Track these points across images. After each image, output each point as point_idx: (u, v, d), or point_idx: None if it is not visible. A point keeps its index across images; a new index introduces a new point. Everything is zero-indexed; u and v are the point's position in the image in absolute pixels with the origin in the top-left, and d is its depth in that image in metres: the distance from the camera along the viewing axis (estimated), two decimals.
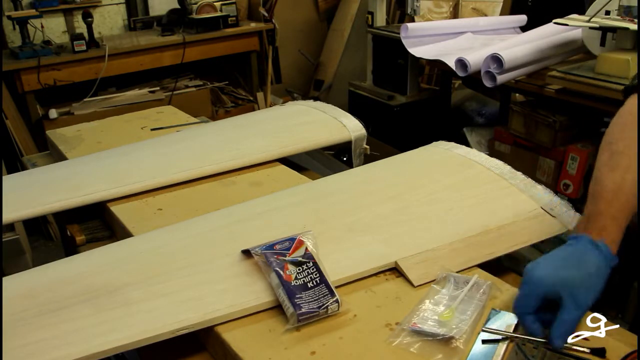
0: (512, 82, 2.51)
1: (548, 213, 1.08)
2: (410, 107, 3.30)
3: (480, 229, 1.05)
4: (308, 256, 0.92)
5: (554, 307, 0.79)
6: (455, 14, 3.93)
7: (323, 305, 0.85)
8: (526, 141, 2.57)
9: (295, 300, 0.85)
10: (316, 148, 1.55)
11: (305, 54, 4.56)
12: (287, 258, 0.91)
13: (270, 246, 0.93)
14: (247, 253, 0.96)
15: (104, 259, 1.02)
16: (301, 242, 0.94)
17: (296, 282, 0.87)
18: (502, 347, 0.79)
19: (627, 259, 1.19)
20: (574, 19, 2.29)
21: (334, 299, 0.86)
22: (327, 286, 0.88)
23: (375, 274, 0.97)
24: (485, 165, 1.25)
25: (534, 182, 1.17)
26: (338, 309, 0.86)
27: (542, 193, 1.13)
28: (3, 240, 2.45)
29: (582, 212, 0.96)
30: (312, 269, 0.90)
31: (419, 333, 0.81)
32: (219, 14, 3.87)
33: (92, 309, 0.87)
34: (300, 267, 0.89)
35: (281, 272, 0.88)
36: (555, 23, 2.36)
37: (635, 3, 2.14)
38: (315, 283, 0.88)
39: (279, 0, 4.10)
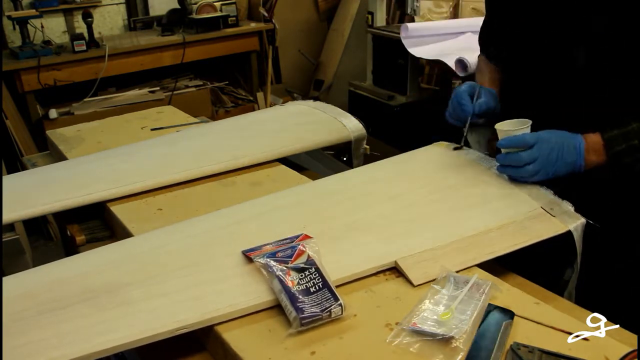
0: None
1: (548, 213, 1.08)
2: (410, 107, 3.30)
3: (480, 228, 1.05)
4: (310, 262, 0.91)
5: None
6: (455, 14, 3.92)
7: (326, 308, 0.85)
8: None
9: (298, 304, 0.84)
10: (316, 148, 1.55)
11: (305, 54, 4.56)
12: (289, 265, 0.91)
13: (273, 254, 0.93)
14: (248, 258, 0.96)
15: (104, 259, 1.02)
16: (303, 251, 0.93)
17: (299, 288, 0.87)
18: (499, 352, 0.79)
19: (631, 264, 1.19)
20: None
21: (338, 302, 0.86)
22: (330, 290, 0.87)
23: (375, 274, 0.97)
24: (485, 165, 1.25)
25: None
26: (342, 313, 0.86)
27: (542, 192, 1.13)
28: (3, 240, 2.45)
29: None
30: (315, 274, 0.89)
31: (419, 333, 0.81)
32: (219, 14, 3.86)
33: (92, 308, 0.87)
34: (302, 273, 0.89)
35: (283, 279, 0.88)
36: None
37: None
38: (317, 288, 0.87)
39: (279, 0, 4.09)
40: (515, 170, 1.14)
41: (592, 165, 1.11)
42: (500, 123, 1.18)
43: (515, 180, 1.16)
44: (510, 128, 1.16)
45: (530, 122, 1.14)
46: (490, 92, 1.31)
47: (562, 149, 1.10)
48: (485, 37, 1.43)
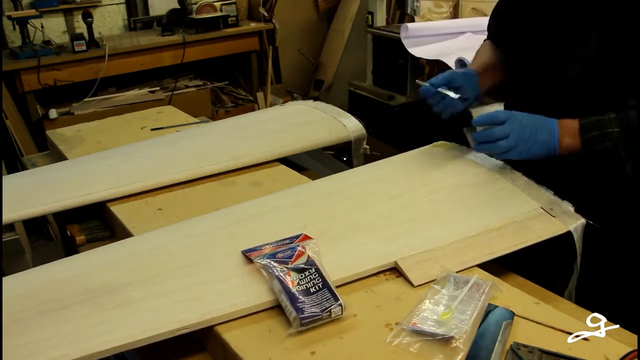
0: None
1: (548, 213, 1.08)
2: (410, 107, 3.29)
3: (480, 229, 1.05)
4: (310, 263, 0.91)
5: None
6: (455, 14, 3.92)
7: (326, 308, 0.85)
8: None
9: (298, 305, 0.84)
10: (316, 148, 1.55)
11: (305, 54, 4.56)
12: (289, 266, 0.91)
13: (273, 255, 0.93)
14: (248, 259, 0.96)
15: (104, 259, 1.02)
16: (302, 252, 0.93)
17: (298, 288, 0.87)
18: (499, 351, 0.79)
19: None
20: None
21: (338, 302, 0.86)
22: (330, 291, 0.87)
23: (375, 274, 0.97)
24: (485, 165, 1.25)
25: (534, 182, 1.17)
26: (342, 313, 0.86)
27: (542, 193, 1.13)
28: (3, 240, 2.45)
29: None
30: (315, 275, 0.89)
31: (419, 333, 0.81)
32: (219, 14, 3.86)
33: (92, 308, 0.87)
34: (302, 274, 0.89)
35: (283, 279, 0.88)
36: None
37: None
38: (317, 288, 0.87)
39: (279, 0, 4.09)
40: (489, 146, 1.14)
41: (566, 148, 1.11)
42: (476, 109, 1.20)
43: (490, 154, 1.19)
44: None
45: (502, 103, 1.18)
46: (456, 71, 1.31)
47: (535, 128, 1.11)
48: (497, 23, 1.42)
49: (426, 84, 1.28)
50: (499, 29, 1.40)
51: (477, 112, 1.18)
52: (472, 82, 1.31)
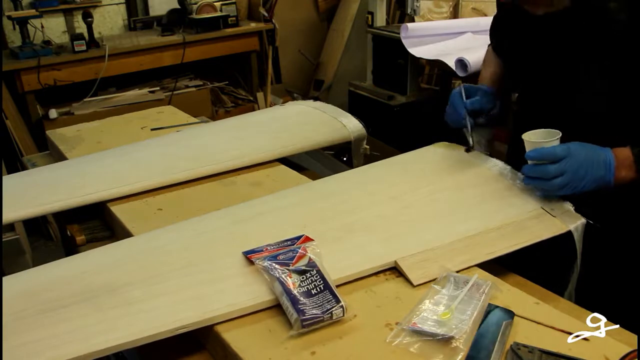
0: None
1: (548, 213, 1.08)
2: (410, 107, 3.29)
3: (480, 228, 1.05)
4: (311, 265, 0.91)
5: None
6: (455, 14, 3.92)
7: (327, 310, 0.84)
8: None
9: (299, 306, 0.84)
10: (316, 148, 1.55)
11: (305, 54, 4.56)
12: (290, 268, 0.91)
13: (274, 257, 0.93)
14: (249, 260, 0.96)
15: (104, 259, 1.02)
16: (303, 254, 0.93)
17: (300, 290, 0.87)
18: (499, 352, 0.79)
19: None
20: None
21: (339, 304, 0.86)
22: (332, 292, 0.87)
23: (375, 274, 0.97)
24: (485, 165, 1.25)
25: None
26: (343, 315, 0.85)
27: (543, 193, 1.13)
28: (3, 240, 2.45)
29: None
30: (316, 276, 0.89)
31: (419, 333, 0.81)
32: (219, 14, 3.86)
33: (92, 308, 0.87)
34: (303, 276, 0.89)
35: (284, 281, 0.88)
36: None
37: None
38: (319, 290, 0.87)
39: (279, 0, 4.09)
40: (542, 182, 1.08)
41: (621, 180, 1.05)
42: (527, 133, 1.11)
43: (542, 192, 1.12)
44: (537, 139, 1.09)
45: (559, 134, 1.07)
46: (486, 91, 1.32)
47: (591, 164, 1.04)
48: (492, 29, 1.43)
49: (465, 99, 1.29)
50: (498, 43, 1.41)
51: (530, 145, 1.08)
52: (493, 104, 1.35)
